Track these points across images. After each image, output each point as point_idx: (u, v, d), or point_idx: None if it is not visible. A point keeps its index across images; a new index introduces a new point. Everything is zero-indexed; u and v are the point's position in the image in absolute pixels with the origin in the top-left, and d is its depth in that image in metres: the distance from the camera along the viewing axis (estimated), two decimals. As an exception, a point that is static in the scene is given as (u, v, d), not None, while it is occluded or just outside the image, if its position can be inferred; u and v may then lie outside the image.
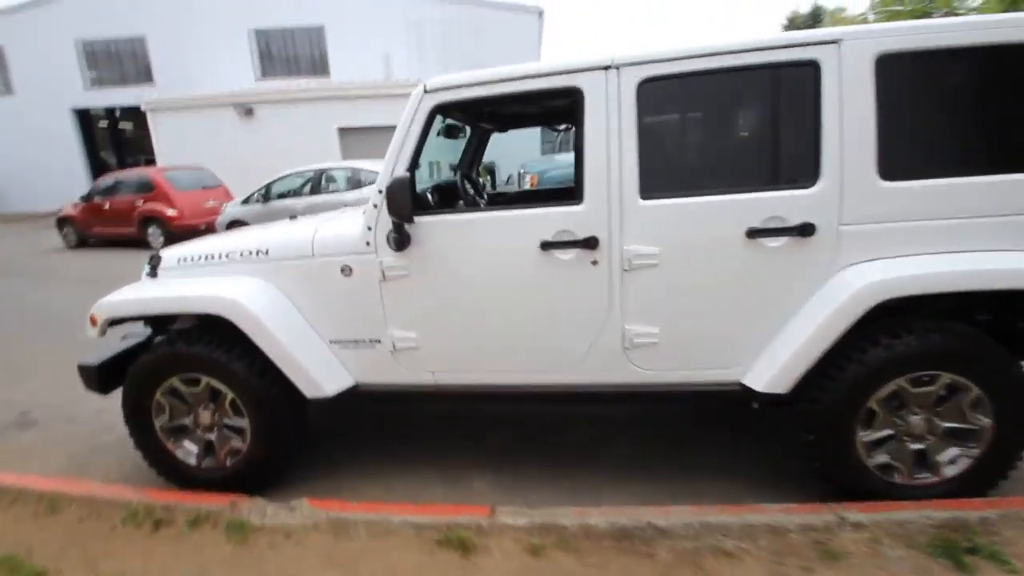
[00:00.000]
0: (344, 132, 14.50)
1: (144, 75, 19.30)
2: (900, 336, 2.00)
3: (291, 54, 19.48)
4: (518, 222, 2.16)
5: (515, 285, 2.20)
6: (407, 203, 2.04)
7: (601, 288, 2.15)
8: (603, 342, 2.21)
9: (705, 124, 2.09)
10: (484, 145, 3.50)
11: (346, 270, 2.30)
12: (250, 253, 2.43)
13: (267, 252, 2.41)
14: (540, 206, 2.18)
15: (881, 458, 2.13)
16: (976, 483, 2.10)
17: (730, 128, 2.07)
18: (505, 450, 2.80)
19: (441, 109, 2.18)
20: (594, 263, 2.13)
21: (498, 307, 2.24)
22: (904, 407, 2.08)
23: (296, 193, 9.31)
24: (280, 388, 2.36)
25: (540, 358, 2.28)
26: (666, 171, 2.10)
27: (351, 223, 2.39)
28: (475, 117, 3.01)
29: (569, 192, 3.41)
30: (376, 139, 13.91)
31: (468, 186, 3.07)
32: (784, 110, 2.00)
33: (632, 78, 2.02)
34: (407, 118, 2.17)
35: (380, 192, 2.21)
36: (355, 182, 8.95)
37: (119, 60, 19.54)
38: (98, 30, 18.86)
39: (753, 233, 2.02)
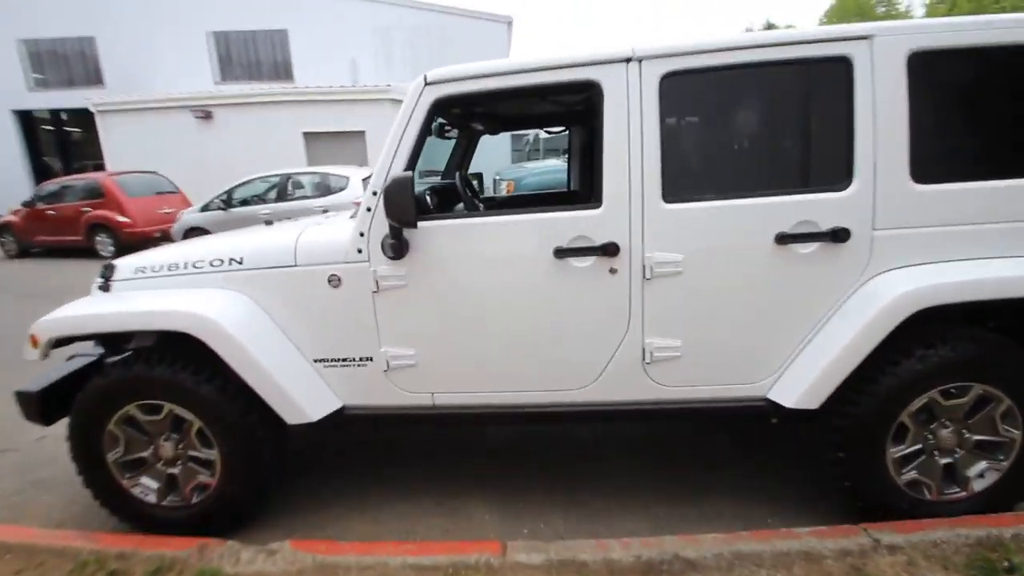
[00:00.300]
0: (310, 137, 14.04)
1: (93, 77, 18.31)
2: (934, 346, 1.90)
3: (253, 58, 18.86)
4: (529, 227, 1.97)
5: (525, 296, 2.01)
6: (409, 205, 1.82)
7: (620, 298, 1.98)
8: (621, 357, 2.03)
9: (731, 122, 1.95)
10: (473, 147, 3.30)
11: (334, 280, 2.05)
12: (221, 262, 2.15)
13: (241, 261, 2.14)
14: (554, 210, 1.99)
15: (911, 475, 2.03)
16: (1004, 497, 2.03)
17: (757, 127, 1.95)
18: (506, 473, 2.58)
19: (442, 103, 1.97)
20: (612, 271, 1.96)
21: (506, 320, 2.04)
22: (934, 420, 1.99)
23: (261, 199, 8.87)
24: (256, 414, 2.08)
25: (551, 375, 2.09)
26: (690, 172, 1.95)
27: (340, 229, 2.15)
28: (471, 116, 2.81)
29: (569, 196, 3.24)
30: (344, 144, 13.59)
31: (467, 189, 2.84)
32: (815, 109, 1.88)
33: (655, 71, 1.87)
34: (406, 112, 1.96)
35: (375, 194, 1.98)
36: (323, 188, 8.58)
37: (66, 61, 18.48)
38: (43, 29, 17.79)
39: (783, 239, 1.89)
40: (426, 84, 1.94)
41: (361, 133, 13.32)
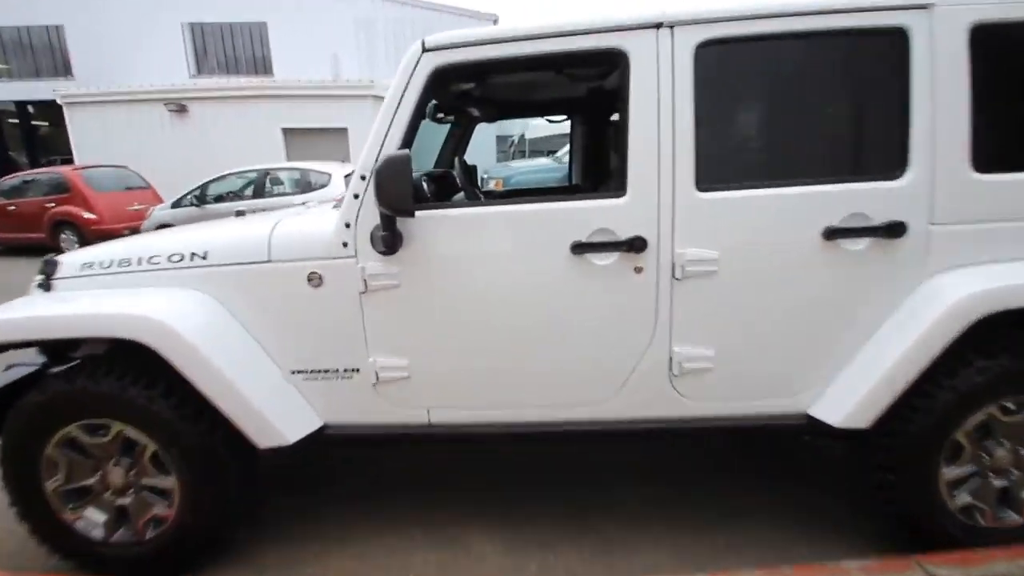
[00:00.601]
0: (289, 133, 13.62)
1: (62, 68, 17.58)
2: (995, 356, 1.69)
3: (230, 51, 18.33)
4: (543, 219, 1.71)
5: (537, 297, 1.75)
6: (406, 191, 1.54)
7: (646, 301, 1.73)
8: (645, 368, 1.78)
9: (774, 100, 1.72)
10: (469, 135, 3.03)
11: (315, 279, 1.77)
12: (182, 257, 1.85)
13: (205, 256, 1.84)
14: (572, 199, 1.73)
15: (963, 498, 1.82)
16: (1063, 523, 1.82)
17: (803, 106, 1.72)
18: (508, 497, 2.31)
19: (443, 74, 1.70)
20: (638, 270, 1.71)
21: (513, 325, 1.77)
22: (989, 438, 1.78)
23: (237, 196, 8.45)
24: (221, 434, 1.78)
25: (565, 389, 1.83)
26: (728, 157, 1.71)
27: (322, 220, 1.87)
28: (468, 97, 2.52)
29: (570, 192, 2.98)
30: (325, 142, 13.18)
31: (467, 177, 2.55)
32: (867, 86, 1.66)
33: (689, 40, 1.62)
34: (400, 84, 1.68)
35: (363, 178, 1.70)
36: (304, 184, 8.20)
37: (32, 50, 17.69)
38: (8, 17, 17.01)
39: (831, 234, 1.66)
40: (424, 51, 1.67)
41: (343, 130, 12.93)
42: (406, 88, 1.67)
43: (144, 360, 1.72)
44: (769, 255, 1.69)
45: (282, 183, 8.44)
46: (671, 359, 1.77)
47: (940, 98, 1.61)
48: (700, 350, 1.76)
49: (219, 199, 8.45)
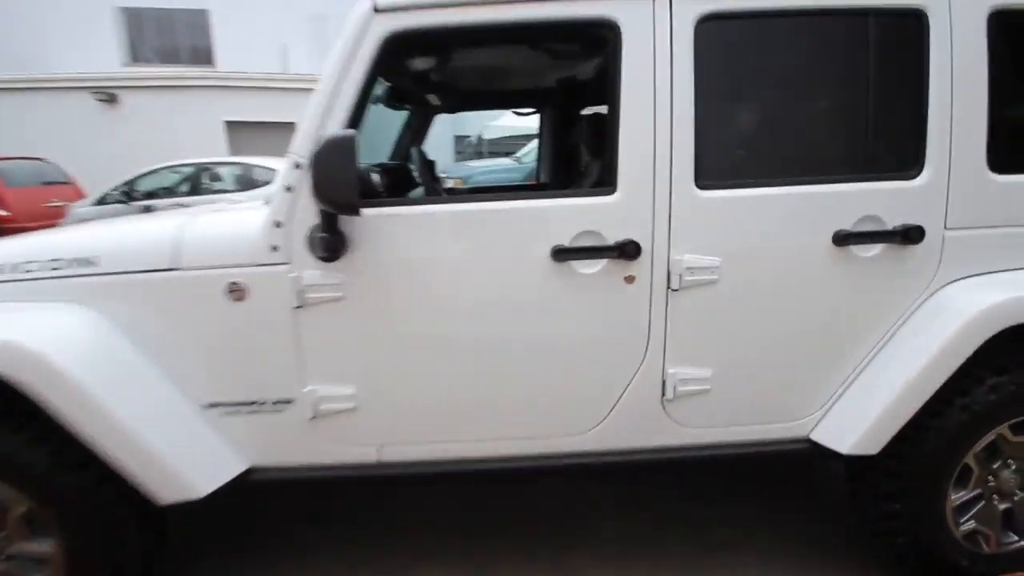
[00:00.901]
0: (233, 126, 12.85)
1: (-25, 52, 15.92)
2: (1008, 372, 1.55)
3: (168, 40, 17.14)
4: (519, 219, 1.44)
5: (511, 312, 1.48)
6: (351, 182, 1.23)
7: (637, 315, 1.49)
8: (635, 392, 1.54)
9: (782, 87, 1.51)
10: (427, 126, 2.72)
11: (236, 291, 1.43)
12: (62, 263, 1.46)
13: (94, 261, 1.46)
14: (553, 196, 1.47)
15: (969, 524, 1.68)
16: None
17: (813, 95, 1.53)
18: (475, 533, 2.02)
19: (398, 41, 1.40)
20: (628, 279, 1.46)
21: (484, 344, 1.50)
22: (996, 459, 1.65)
23: (170, 192, 7.74)
24: (114, 487, 1.41)
25: (543, 418, 1.56)
26: (731, 151, 1.50)
27: (246, 218, 1.53)
28: (428, 81, 2.21)
29: (538, 190, 2.71)
30: (272, 136, 12.41)
31: (427, 170, 2.23)
32: (883, 74, 1.48)
33: (689, 12, 1.39)
34: (345, 52, 1.37)
35: (298, 167, 1.38)
36: (247, 181, 7.59)
37: (-62, 31, 15.96)
38: (-94, -7, 15.27)
39: (842, 239, 1.47)
40: (376, 11, 1.37)
41: (292, 125, 12.23)
42: (353, 56, 1.36)
43: (6, 393, 1.34)
44: (775, 262, 1.48)
45: (222, 179, 7.80)
46: (664, 381, 1.54)
47: (959, 90, 1.46)
48: (697, 370, 1.53)
49: (150, 195, 7.72)
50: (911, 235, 1.47)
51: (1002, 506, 1.69)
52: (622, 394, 1.55)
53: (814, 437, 1.62)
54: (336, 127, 1.34)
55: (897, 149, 1.50)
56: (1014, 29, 1.47)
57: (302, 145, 1.37)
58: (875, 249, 1.50)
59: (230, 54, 16.39)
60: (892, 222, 1.49)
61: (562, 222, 1.43)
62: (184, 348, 1.47)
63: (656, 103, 1.40)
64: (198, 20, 16.87)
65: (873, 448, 1.54)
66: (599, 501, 2.20)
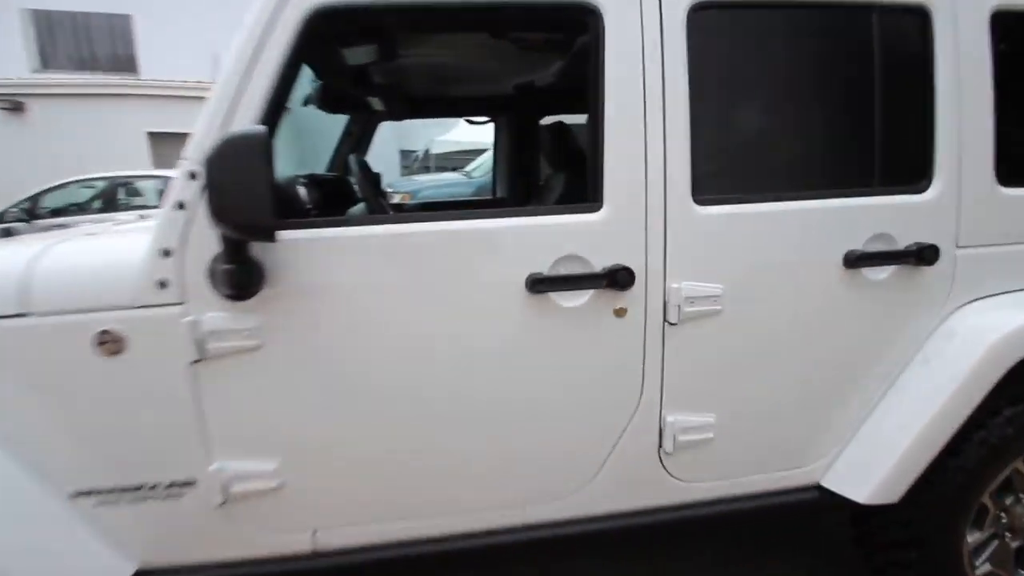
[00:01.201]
0: (157, 138, 11.96)
1: None
2: (1022, 402, 1.42)
3: (86, 46, 15.86)
4: (488, 242, 1.16)
5: (478, 355, 1.20)
6: (261, 194, 0.92)
7: (629, 355, 1.24)
8: (628, 446, 1.29)
9: (786, 86, 1.33)
10: (370, 135, 2.41)
11: (109, 342, 1.07)
12: None
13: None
14: (526, 214, 1.21)
15: (984, 567, 1.53)
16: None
17: (819, 97, 1.35)
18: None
19: (324, 22, 1.10)
20: (619, 313, 1.22)
21: (445, 396, 1.20)
22: (1009, 495, 1.52)
23: (82, 208, 6.97)
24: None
25: (518, 482, 1.28)
26: (732, 159, 1.29)
27: (121, 244, 1.18)
28: (370, 83, 1.90)
29: (497, 206, 2.48)
30: (202, 150, 11.65)
31: (369, 183, 1.87)
32: (889, 75, 1.33)
33: (680, 0, 1.19)
34: (259, 28, 1.06)
35: (193, 176, 1.05)
36: (170, 198, 6.93)
37: None
38: None
39: (854, 260, 1.29)
40: (297, -20, 1.07)
41: (223, 138, 11.52)
42: (267, 36, 1.06)
43: None
44: (784, 288, 1.29)
45: (142, 194, 7.09)
46: (662, 431, 1.30)
47: (966, 96, 1.33)
48: (699, 416, 1.30)
49: (57, 212, 6.90)
50: (925, 255, 1.31)
51: (1015, 544, 1.56)
52: (612, 449, 1.29)
53: (826, 484, 1.43)
54: (247, 121, 1.03)
55: (903, 160, 1.35)
56: (1019, 31, 1.36)
57: (199, 148, 1.04)
58: (886, 271, 1.33)
59: (156, 63, 15.31)
60: (903, 240, 1.33)
61: (539, 246, 1.17)
62: (41, 420, 1.09)
63: (647, 100, 1.18)
64: (120, 26, 15.72)
65: (893, 496, 1.36)
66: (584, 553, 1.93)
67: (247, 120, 1.03)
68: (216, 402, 1.12)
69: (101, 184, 7.09)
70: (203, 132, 1.04)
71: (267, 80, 1.05)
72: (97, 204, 6.97)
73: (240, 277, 1.02)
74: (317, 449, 1.18)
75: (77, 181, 7.11)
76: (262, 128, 0.93)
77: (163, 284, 1.07)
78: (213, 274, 1.05)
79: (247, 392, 1.12)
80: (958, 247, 1.37)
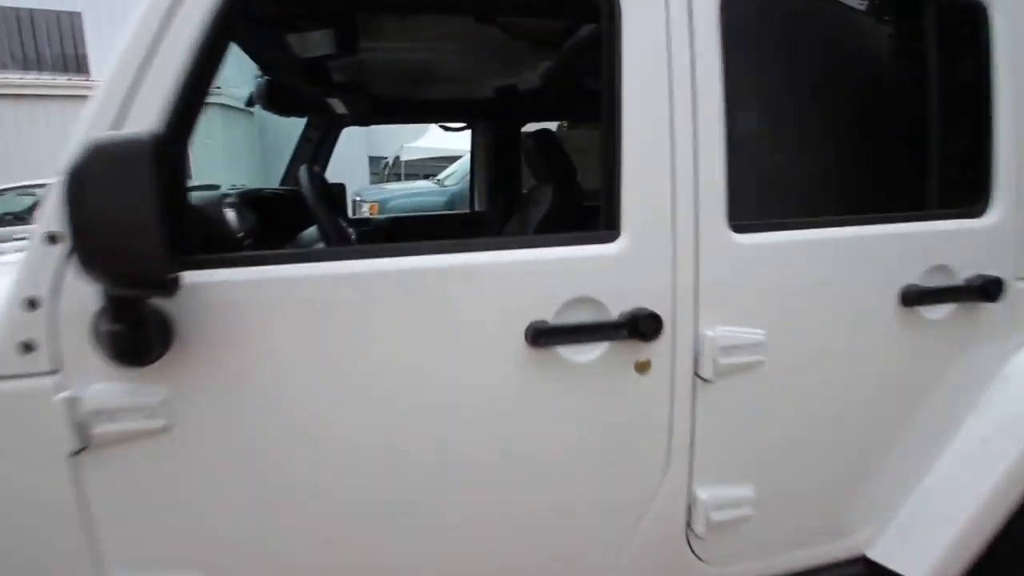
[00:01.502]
0: (109, 143, 11.26)
1: None
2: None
3: (31, 44, 14.97)
4: (476, 283, 0.90)
5: (469, 424, 0.93)
6: (148, 227, 0.63)
7: (654, 419, 1.00)
8: (651, 529, 1.05)
9: (837, 91, 1.12)
10: (331, 141, 2.11)
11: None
12: None
13: None
14: (521, 245, 0.95)
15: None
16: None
17: (868, 106, 1.15)
18: None
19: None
20: (641, 367, 0.97)
21: (425, 481, 0.93)
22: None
23: (20, 218, 6.40)
24: None
25: (519, 574, 1.02)
26: (774, 178, 1.08)
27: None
28: (331, 82, 1.60)
29: (476, 220, 2.24)
30: (157, 155, 11.04)
31: (323, 201, 1.52)
32: (939, 83, 1.14)
33: (711, -13, 0.96)
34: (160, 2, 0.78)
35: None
36: (120, 206, 6.41)
37: None
38: None
39: (913, 297, 1.09)
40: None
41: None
42: (173, 8, 0.77)
43: None
44: (835, 333, 1.07)
45: (85, 204, 6.54)
46: (691, 508, 1.06)
47: (1019, 104, 1.15)
48: (735, 490, 1.07)
49: (-5, 222, 6.31)
50: (989, 290, 1.12)
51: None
52: (631, 533, 1.04)
53: (873, 556, 1.21)
54: (143, 126, 0.74)
55: (957, 179, 1.17)
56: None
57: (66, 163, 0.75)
58: (945, 310, 1.13)
59: (108, 63, 14.55)
60: (962, 273, 1.13)
61: (542, 287, 0.92)
62: None
63: (673, 108, 0.94)
64: (69, 24, 14.91)
65: (954, 572, 1.16)
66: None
67: (148, 120, 0.74)
68: (108, 505, 0.82)
69: (43, 193, 6.50)
70: (81, 139, 0.75)
71: (177, 65, 0.76)
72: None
73: (132, 341, 0.72)
74: (250, 559, 0.89)
75: (16, 188, 6.52)
76: (146, 132, 0.65)
77: (28, 347, 0.76)
78: (97, 333, 0.76)
79: (151, 491, 0.83)
80: (1018, 279, 1.19)
